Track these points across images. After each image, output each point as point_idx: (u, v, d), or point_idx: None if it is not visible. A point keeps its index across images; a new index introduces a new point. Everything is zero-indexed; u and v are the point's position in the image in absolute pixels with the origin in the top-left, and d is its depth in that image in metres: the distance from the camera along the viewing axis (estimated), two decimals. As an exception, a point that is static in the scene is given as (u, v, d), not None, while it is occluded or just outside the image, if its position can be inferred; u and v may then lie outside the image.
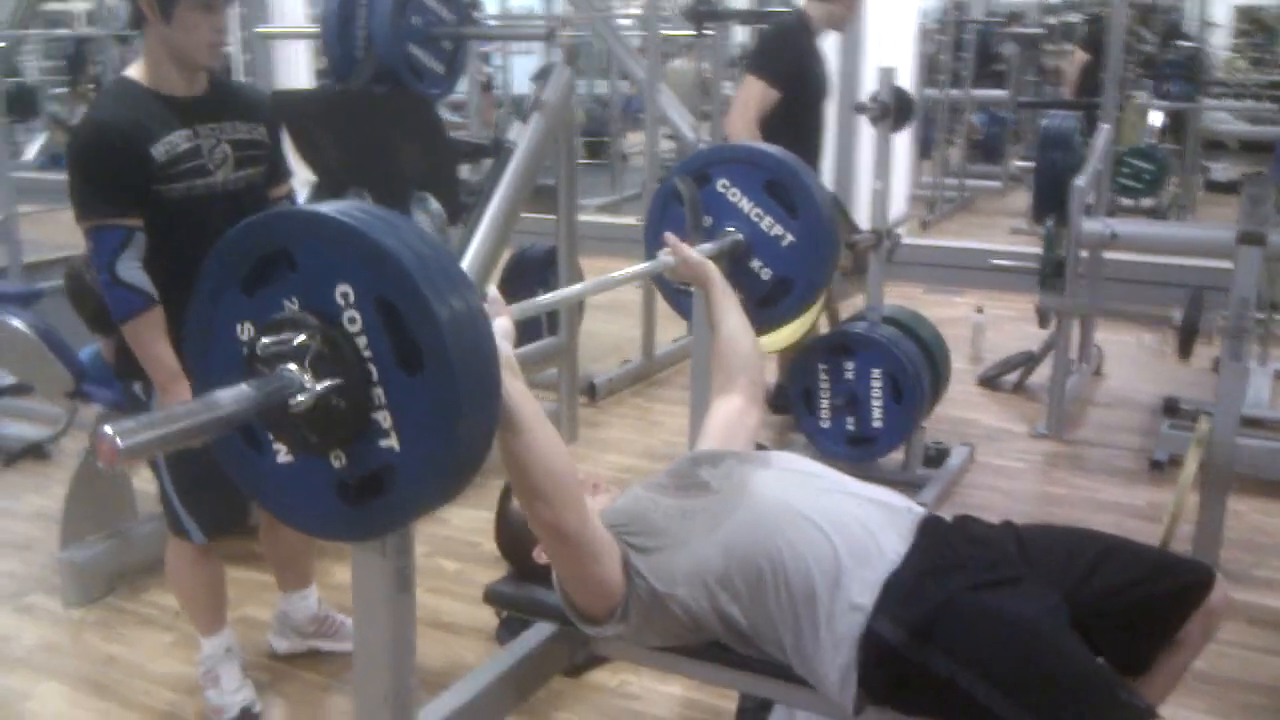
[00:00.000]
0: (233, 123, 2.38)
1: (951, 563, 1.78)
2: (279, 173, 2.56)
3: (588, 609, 1.84)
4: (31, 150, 11.03)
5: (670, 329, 5.35)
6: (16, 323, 3.02)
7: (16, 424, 4.27)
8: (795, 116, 3.81)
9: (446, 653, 2.87)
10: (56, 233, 8.19)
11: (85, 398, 3.09)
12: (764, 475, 1.94)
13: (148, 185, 2.24)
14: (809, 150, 3.85)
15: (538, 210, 4.33)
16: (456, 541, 3.49)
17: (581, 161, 11.26)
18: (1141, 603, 1.84)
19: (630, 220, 7.33)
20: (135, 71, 2.31)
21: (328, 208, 1.43)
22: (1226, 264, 3.11)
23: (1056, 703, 1.62)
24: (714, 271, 2.32)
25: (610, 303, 5.77)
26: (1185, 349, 3.20)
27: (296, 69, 7.42)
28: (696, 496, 1.91)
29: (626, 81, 10.58)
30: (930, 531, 1.86)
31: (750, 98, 3.72)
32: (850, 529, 1.81)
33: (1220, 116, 9.80)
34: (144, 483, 3.53)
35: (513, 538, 2.12)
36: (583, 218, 7.62)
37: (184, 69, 2.29)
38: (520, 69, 12.02)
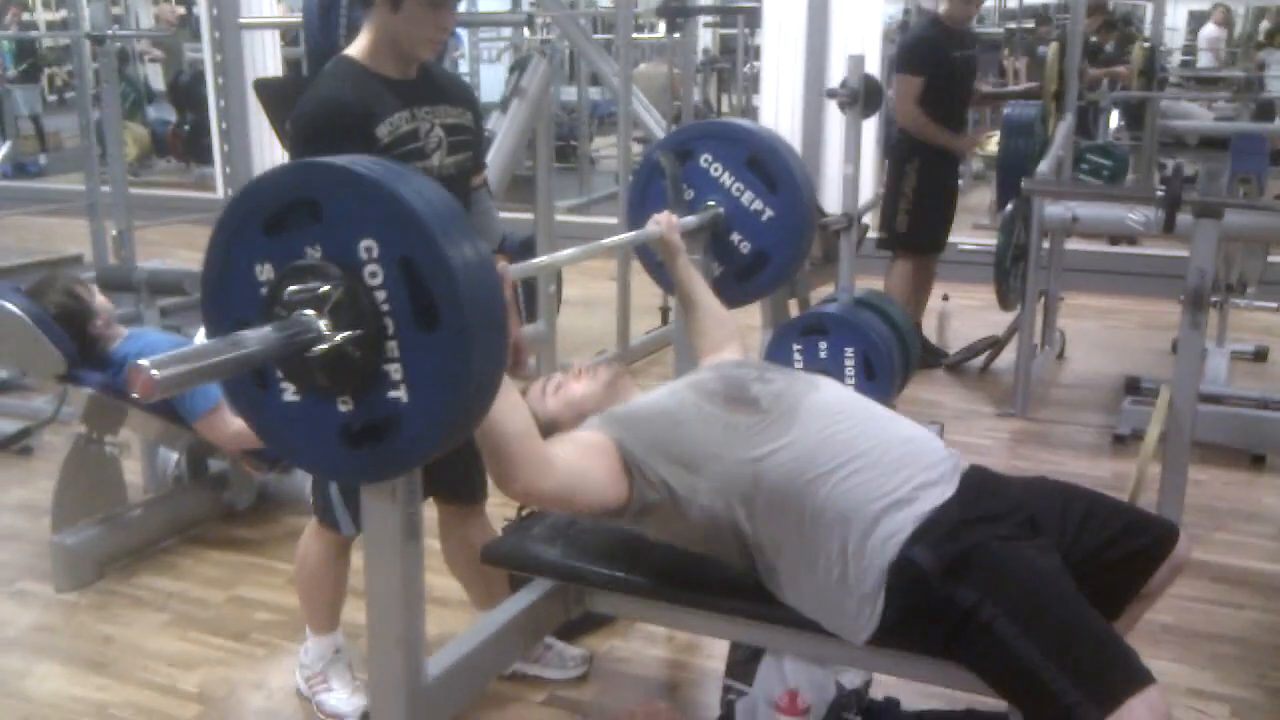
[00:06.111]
0: (445, 106, 2.34)
1: (991, 514, 1.86)
2: (479, 161, 2.51)
3: (597, 512, 1.90)
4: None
5: (644, 321, 5.46)
6: (9, 305, 3.04)
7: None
8: (939, 96, 4.78)
9: (439, 626, 2.92)
10: (26, 237, 8.20)
11: (76, 381, 3.12)
12: (813, 403, 1.96)
13: None
14: (958, 119, 5.07)
15: (514, 202, 4.40)
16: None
17: (551, 165, 11.44)
18: (1120, 559, 1.94)
19: (599, 220, 7.51)
20: (355, 51, 2.27)
21: (360, 164, 1.48)
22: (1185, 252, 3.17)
23: (1072, 646, 1.67)
24: (681, 248, 2.46)
25: (586, 298, 5.86)
26: (1169, 224, 3.14)
27: (265, 63, 7.50)
28: (743, 413, 1.93)
29: (595, 87, 10.68)
30: (973, 482, 1.94)
31: (906, 91, 4.78)
32: (895, 467, 1.86)
33: (1182, 109, 9.94)
34: (134, 474, 3.58)
35: None
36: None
37: (401, 57, 2.26)
38: (488, 78, 12.09)
